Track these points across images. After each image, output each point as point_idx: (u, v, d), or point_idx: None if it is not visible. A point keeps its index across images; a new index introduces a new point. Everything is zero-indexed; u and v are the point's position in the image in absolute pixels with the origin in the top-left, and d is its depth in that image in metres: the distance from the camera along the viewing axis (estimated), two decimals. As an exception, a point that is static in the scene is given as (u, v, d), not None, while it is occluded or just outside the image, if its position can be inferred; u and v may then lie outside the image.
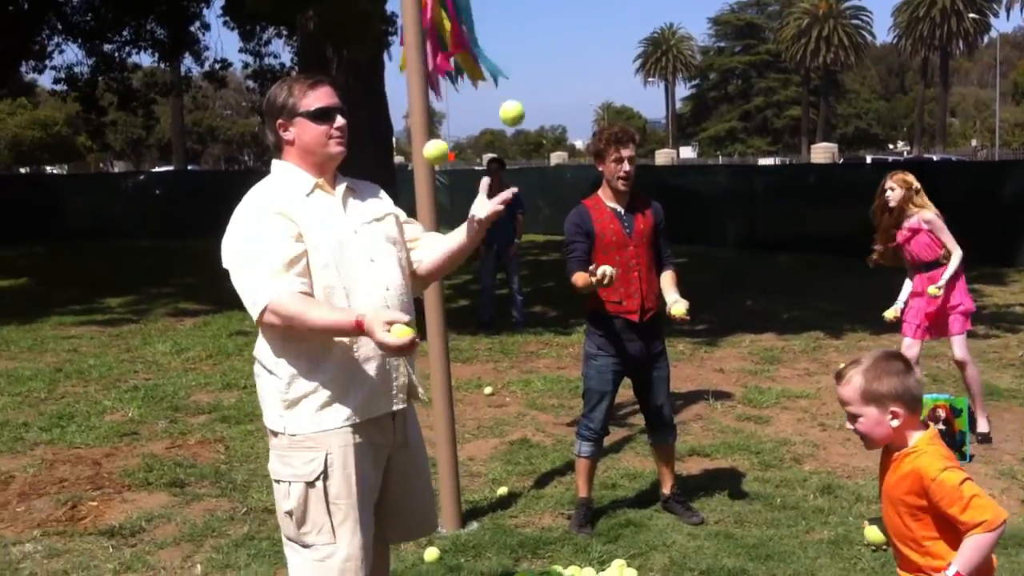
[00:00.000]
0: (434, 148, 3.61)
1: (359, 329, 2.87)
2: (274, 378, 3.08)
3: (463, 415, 7.16)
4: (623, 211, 5.01)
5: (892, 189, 6.61)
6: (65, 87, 23.31)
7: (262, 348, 3.13)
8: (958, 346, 6.58)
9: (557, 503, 5.49)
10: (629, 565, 4.52)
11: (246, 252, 3.02)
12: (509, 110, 3.42)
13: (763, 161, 55.27)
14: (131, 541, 5.07)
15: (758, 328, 10.86)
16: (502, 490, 5.68)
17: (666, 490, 5.32)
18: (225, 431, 7.06)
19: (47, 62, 23.17)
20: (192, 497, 5.72)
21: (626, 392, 5.42)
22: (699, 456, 6.33)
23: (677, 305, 4.93)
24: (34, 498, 5.77)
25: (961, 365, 6.63)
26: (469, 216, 3.30)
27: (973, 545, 2.57)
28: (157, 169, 48.41)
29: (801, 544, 4.77)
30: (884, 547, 2.94)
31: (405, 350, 2.85)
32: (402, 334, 2.82)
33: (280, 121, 3.15)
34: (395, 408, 3.17)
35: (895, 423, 2.71)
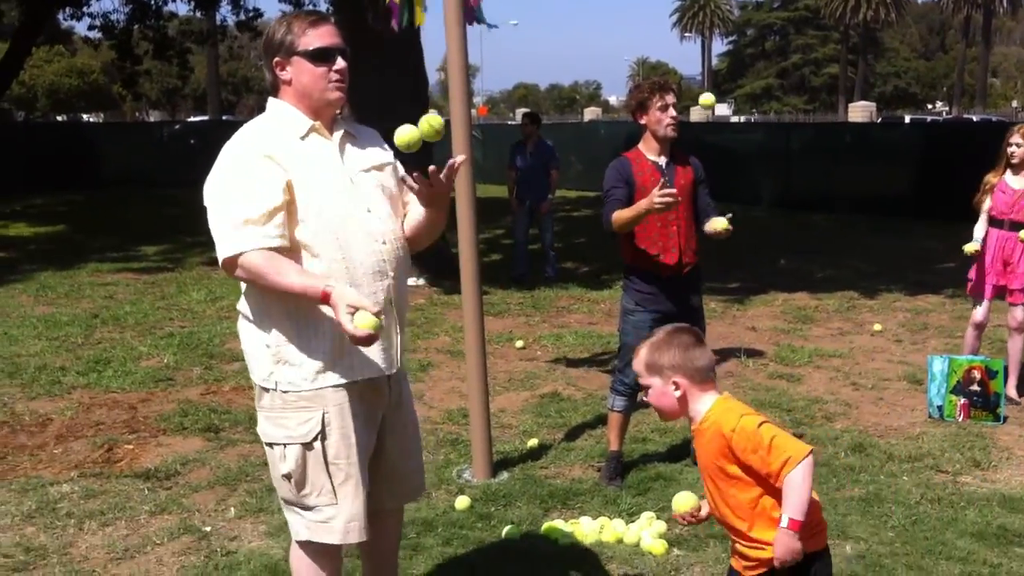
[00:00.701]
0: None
1: (325, 300, 2.74)
2: (262, 333, 2.95)
3: (494, 368, 7.18)
4: (664, 164, 4.97)
5: (1019, 145, 6.36)
6: (100, 35, 23.37)
7: (248, 302, 3.00)
8: (1021, 313, 6.51)
9: (587, 456, 5.52)
10: (658, 518, 4.55)
11: (225, 194, 2.86)
12: (404, 135, 3.04)
13: (734, 119, 54.65)
14: (166, 484, 5.15)
15: (791, 287, 10.79)
16: (532, 442, 5.71)
17: (697, 445, 5.32)
18: (259, 379, 7.12)
19: (84, 9, 23.22)
20: (226, 442, 5.80)
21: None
22: (730, 413, 6.32)
23: (717, 220, 4.88)
24: (71, 440, 5.87)
25: (1018, 331, 6.55)
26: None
27: (790, 486, 2.59)
28: (192, 119, 48.56)
29: (831, 501, 4.76)
30: (691, 517, 2.94)
31: (360, 341, 2.71)
32: (363, 325, 2.67)
33: (278, 59, 2.97)
34: (392, 370, 3.04)
35: (677, 393, 2.77)
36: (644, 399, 2.88)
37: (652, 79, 5.06)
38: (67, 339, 8.49)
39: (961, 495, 4.87)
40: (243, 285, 3.00)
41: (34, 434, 5.98)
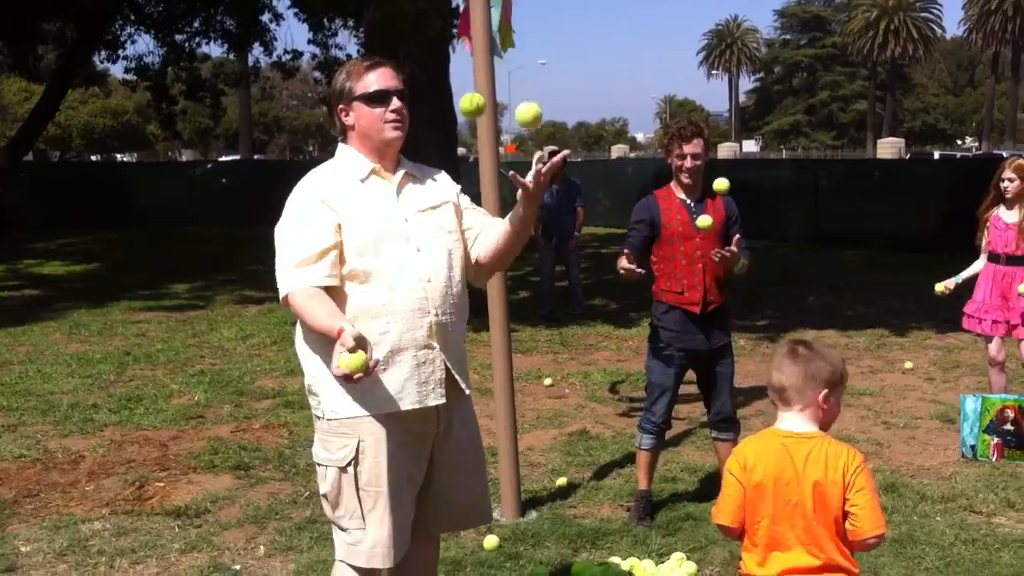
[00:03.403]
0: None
1: (337, 338, 2.82)
2: (309, 364, 3.16)
3: (523, 406, 7.18)
4: (692, 203, 4.99)
5: (1011, 180, 6.34)
6: (135, 77, 23.76)
7: (299, 333, 3.20)
8: None
9: (616, 495, 5.49)
10: (688, 558, 4.51)
11: (282, 239, 3.08)
12: (525, 111, 3.14)
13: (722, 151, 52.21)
14: (196, 522, 5.17)
15: (821, 324, 10.72)
16: (561, 480, 5.70)
17: (726, 485, 5.29)
18: (289, 416, 7.17)
19: (119, 52, 23.63)
20: (256, 480, 5.82)
21: (688, 385, 5.41)
22: (760, 451, 6.28)
23: (704, 219, 4.79)
24: (103, 478, 5.91)
25: None
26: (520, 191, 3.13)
27: None
28: (224, 158, 49.11)
29: (863, 542, 4.71)
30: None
31: (340, 377, 2.80)
32: (343, 364, 2.76)
33: (341, 106, 3.15)
34: (431, 403, 3.12)
35: None
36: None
37: (679, 123, 5.04)
38: (99, 377, 8.57)
39: (996, 536, 4.81)
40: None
41: (66, 471, 6.03)
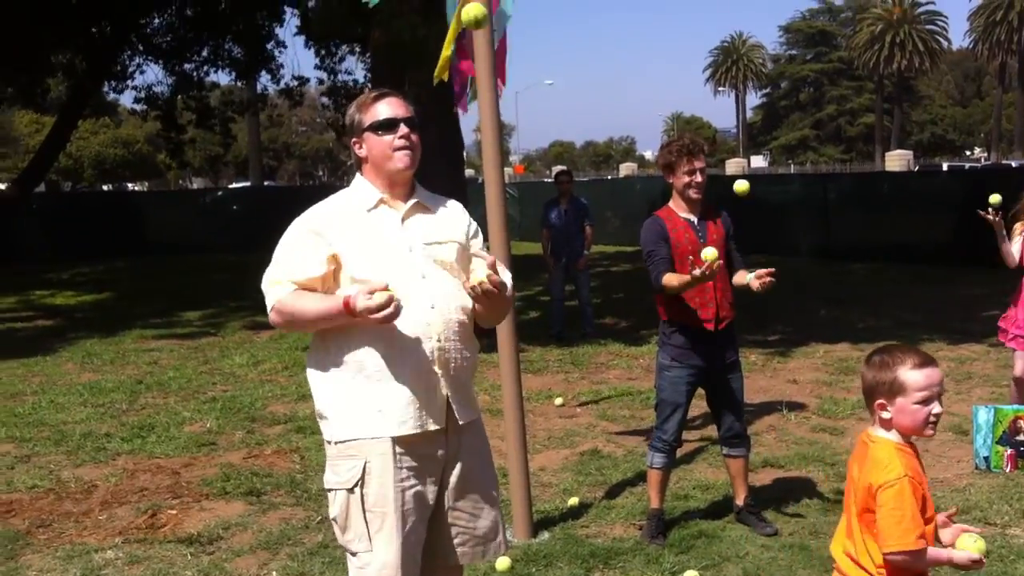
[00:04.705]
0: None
1: (348, 309, 2.89)
2: (317, 388, 3.17)
3: (534, 425, 7.18)
4: (696, 221, 5.01)
5: None
6: (145, 106, 23.93)
7: (309, 358, 3.22)
8: None
9: (628, 514, 5.48)
10: (701, 576, 4.50)
11: (273, 260, 3.12)
12: (470, 10, 3.24)
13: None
14: (209, 549, 5.17)
15: (832, 338, 10.70)
16: (573, 500, 5.68)
17: (739, 501, 5.28)
18: (300, 441, 7.17)
19: (128, 82, 23.83)
20: (268, 506, 5.82)
21: (699, 403, 5.40)
22: (773, 467, 6.27)
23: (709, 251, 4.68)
24: (116, 506, 5.92)
25: None
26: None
27: None
28: (234, 185, 49.32)
29: (877, 557, 4.69)
30: None
31: (387, 313, 2.85)
32: (380, 298, 2.83)
33: (354, 139, 3.20)
34: (432, 428, 3.10)
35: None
36: None
37: (682, 140, 5.05)
38: (112, 405, 8.60)
39: (1011, 548, 4.78)
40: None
41: (79, 501, 6.04)
